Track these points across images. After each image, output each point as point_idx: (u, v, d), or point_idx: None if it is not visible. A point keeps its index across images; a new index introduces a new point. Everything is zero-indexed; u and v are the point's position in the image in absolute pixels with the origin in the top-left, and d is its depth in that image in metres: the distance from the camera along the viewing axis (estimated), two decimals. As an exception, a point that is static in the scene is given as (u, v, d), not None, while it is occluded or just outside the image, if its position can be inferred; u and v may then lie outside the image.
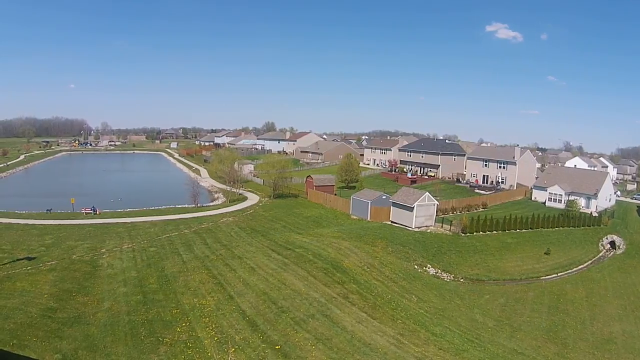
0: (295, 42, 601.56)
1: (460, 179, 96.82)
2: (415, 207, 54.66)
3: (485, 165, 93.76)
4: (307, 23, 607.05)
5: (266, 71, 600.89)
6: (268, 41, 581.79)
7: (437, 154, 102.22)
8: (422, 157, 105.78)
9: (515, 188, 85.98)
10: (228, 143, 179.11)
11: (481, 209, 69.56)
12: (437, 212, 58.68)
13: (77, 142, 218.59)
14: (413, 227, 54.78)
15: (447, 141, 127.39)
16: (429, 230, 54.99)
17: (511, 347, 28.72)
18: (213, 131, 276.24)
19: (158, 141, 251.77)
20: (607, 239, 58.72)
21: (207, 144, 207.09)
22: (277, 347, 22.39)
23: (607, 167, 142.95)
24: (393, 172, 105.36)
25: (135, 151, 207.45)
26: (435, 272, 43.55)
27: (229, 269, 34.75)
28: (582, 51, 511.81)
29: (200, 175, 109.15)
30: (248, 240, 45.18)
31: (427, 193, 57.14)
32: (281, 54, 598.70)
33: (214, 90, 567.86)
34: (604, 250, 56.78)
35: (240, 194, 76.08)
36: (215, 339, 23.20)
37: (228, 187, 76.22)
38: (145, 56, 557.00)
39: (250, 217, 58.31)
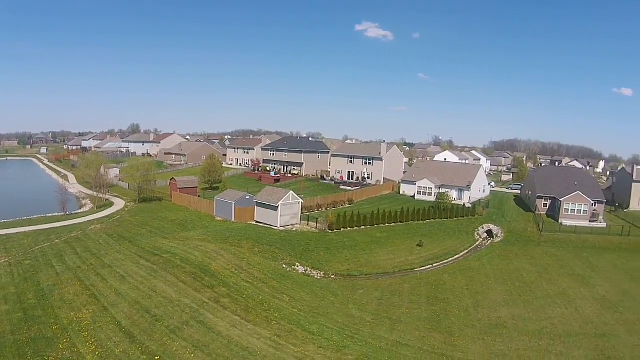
0: (166, 41, 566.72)
1: (325, 176, 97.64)
2: (279, 206, 53.99)
3: (351, 161, 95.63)
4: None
5: (127, 70, 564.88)
6: (137, 39, 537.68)
7: (301, 152, 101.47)
8: (285, 155, 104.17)
9: (382, 183, 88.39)
10: (95, 147, 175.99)
11: (347, 205, 69.70)
12: (302, 210, 58.40)
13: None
14: (278, 226, 54.22)
15: (310, 139, 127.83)
16: (294, 229, 54.61)
17: (394, 340, 27.81)
18: (80, 135, 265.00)
19: (29, 146, 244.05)
20: (482, 228, 60.44)
21: (75, 148, 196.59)
22: (156, 357, 22.05)
23: (479, 159, 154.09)
24: (256, 172, 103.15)
25: (8, 157, 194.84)
26: (305, 270, 42.46)
27: (100, 279, 33.69)
28: (451, 50, 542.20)
29: (68, 181, 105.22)
30: (116, 247, 43.72)
31: (291, 192, 57.03)
32: (145, 54, 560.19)
33: (81, 91, 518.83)
34: (481, 240, 58.41)
35: (107, 200, 74.34)
36: (97, 353, 22.50)
37: (95, 193, 73.87)
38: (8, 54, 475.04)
39: (117, 223, 56.04)
